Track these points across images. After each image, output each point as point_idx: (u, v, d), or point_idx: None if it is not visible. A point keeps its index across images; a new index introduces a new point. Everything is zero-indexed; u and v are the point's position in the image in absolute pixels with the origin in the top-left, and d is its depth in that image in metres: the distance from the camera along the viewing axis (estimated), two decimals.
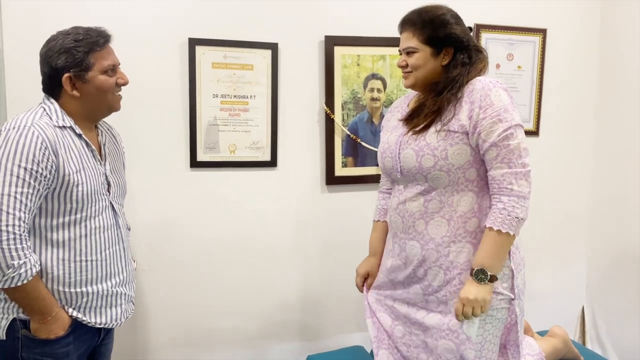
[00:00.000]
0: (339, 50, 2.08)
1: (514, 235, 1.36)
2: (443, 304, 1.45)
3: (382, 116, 2.17)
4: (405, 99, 1.65)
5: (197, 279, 2.05)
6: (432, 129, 1.42)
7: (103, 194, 1.40)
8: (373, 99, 2.15)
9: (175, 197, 2.00)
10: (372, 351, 1.83)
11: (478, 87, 1.38)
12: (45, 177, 1.25)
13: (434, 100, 1.42)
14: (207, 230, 2.05)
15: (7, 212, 1.20)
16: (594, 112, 2.48)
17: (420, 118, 1.44)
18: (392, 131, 1.57)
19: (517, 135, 1.35)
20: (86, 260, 1.35)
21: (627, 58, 2.32)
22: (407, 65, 1.46)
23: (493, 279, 1.37)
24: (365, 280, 1.73)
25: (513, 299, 1.45)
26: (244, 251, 2.09)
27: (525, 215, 1.37)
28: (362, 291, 1.75)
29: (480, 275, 1.36)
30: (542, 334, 1.87)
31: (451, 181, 1.42)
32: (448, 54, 1.44)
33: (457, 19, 1.46)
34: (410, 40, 1.45)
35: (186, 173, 2.00)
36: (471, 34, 1.50)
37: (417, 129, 1.44)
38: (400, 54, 1.50)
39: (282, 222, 2.13)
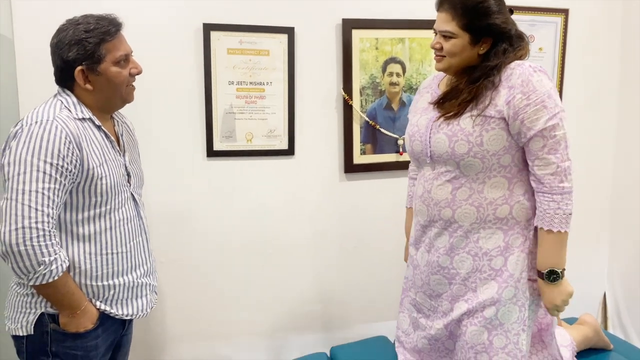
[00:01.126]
0: (356, 34, 2.02)
1: (568, 230, 1.35)
2: (472, 291, 1.42)
3: (401, 101, 2.12)
4: (435, 79, 1.59)
5: (215, 270, 2.02)
6: (466, 114, 1.37)
7: (124, 186, 1.38)
8: (392, 84, 2.10)
9: (192, 187, 1.96)
10: (395, 341, 1.81)
11: (518, 72, 1.32)
12: (71, 171, 1.22)
13: (470, 88, 1.36)
14: (225, 221, 2.01)
15: (36, 209, 1.17)
16: (617, 94, 2.42)
17: (454, 104, 1.39)
18: (421, 113, 1.51)
19: (563, 125, 1.31)
20: (112, 253, 1.33)
21: None
22: (441, 49, 1.40)
23: (564, 272, 1.36)
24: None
25: None
26: (262, 242, 2.06)
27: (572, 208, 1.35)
28: None
29: (553, 276, 1.35)
30: (566, 321, 1.83)
31: (484, 168, 1.37)
32: (486, 43, 1.37)
33: (500, 5, 1.37)
34: (448, 24, 1.36)
35: (203, 163, 1.96)
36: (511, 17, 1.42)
37: (449, 114, 1.39)
38: (435, 33, 1.42)
39: (300, 212, 2.09)
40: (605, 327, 2.51)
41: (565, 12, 2.27)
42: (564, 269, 1.36)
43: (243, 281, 2.06)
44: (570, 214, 1.33)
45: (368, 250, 2.13)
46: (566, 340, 1.56)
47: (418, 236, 1.54)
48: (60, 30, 1.30)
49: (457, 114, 1.38)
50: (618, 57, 2.39)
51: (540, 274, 1.37)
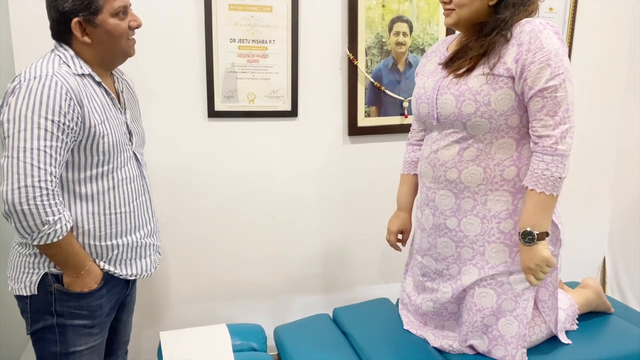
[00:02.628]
0: None
1: (557, 195, 1.31)
2: (480, 255, 1.41)
3: (407, 62, 2.07)
4: (444, 43, 1.54)
5: (216, 231, 2.01)
6: (475, 72, 1.33)
7: (126, 144, 1.35)
8: (398, 44, 2.04)
9: (193, 148, 1.92)
10: (398, 302, 1.82)
11: (527, 29, 1.28)
12: (72, 129, 1.19)
13: (481, 42, 1.32)
14: (227, 183, 1.98)
15: (39, 167, 1.14)
16: (627, 57, 2.37)
17: (464, 60, 1.35)
18: (429, 75, 1.47)
19: (565, 86, 1.26)
20: (115, 213, 1.31)
21: None
22: (450, 2, 1.35)
23: (542, 236, 1.32)
24: (401, 238, 1.70)
25: (554, 252, 1.42)
26: (264, 203, 2.04)
27: (567, 174, 1.31)
28: (397, 249, 1.71)
29: (528, 237, 1.32)
30: (568, 285, 1.85)
31: (492, 128, 1.35)
32: None
33: None
34: None
35: (204, 123, 1.91)
36: None
37: (460, 72, 1.35)
38: None
39: (303, 174, 2.06)
40: (604, 291, 2.54)
41: None
42: (542, 232, 1.32)
43: (245, 243, 2.05)
44: (559, 178, 1.29)
45: (371, 213, 2.12)
46: (564, 304, 1.57)
47: (423, 198, 1.52)
48: None
49: (468, 70, 1.34)
50: (629, 20, 2.33)
51: (518, 234, 1.35)
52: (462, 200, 1.41)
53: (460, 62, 1.36)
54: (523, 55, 1.27)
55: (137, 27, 1.33)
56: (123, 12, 1.29)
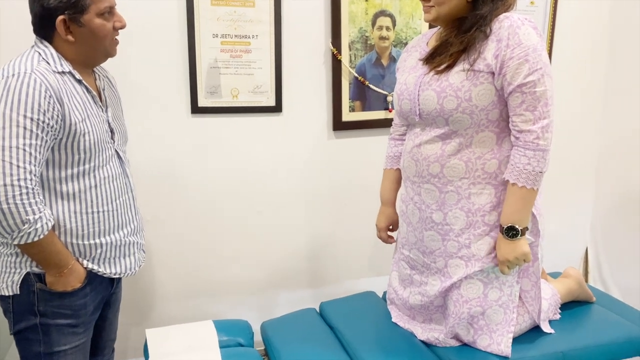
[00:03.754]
0: None
1: (537, 189, 1.34)
2: (466, 248, 1.43)
3: (391, 56, 2.07)
4: (424, 37, 1.55)
5: (202, 228, 2.01)
6: (456, 69, 1.34)
7: (108, 142, 1.33)
8: (382, 38, 2.04)
9: (177, 144, 1.91)
10: (384, 296, 1.84)
11: (506, 25, 1.29)
12: (52, 127, 1.17)
13: (461, 38, 1.33)
14: (211, 179, 1.98)
15: (18, 166, 1.12)
16: (607, 50, 2.40)
17: (445, 57, 1.35)
18: (410, 71, 1.48)
19: (544, 81, 1.28)
20: (98, 212, 1.29)
21: None
22: None
23: (524, 231, 1.36)
24: (390, 233, 1.72)
25: (534, 242, 1.45)
26: (249, 199, 2.04)
27: (547, 168, 1.34)
28: (389, 242, 1.73)
29: (512, 232, 1.35)
30: (550, 275, 1.87)
31: (473, 123, 1.36)
32: None
33: None
34: None
35: (187, 119, 1.90)
36: None
37: (440, 68, 1.36)
38: None
39: (289, 169, 2.06)
40: (587, 281, 2.59)
41: None
42: (525, 228, 1.36)
43: (231, 238, 2.05)
44: (540, 172, 1.32)
45: (357, 207, 2.13)
46: (547, 294, 1.60)
47: (408, 192, 1.53)
48: None
49: (448, 67, 1.35)
50: (608, 12, 2.36)
51: (500, 228, 1.38)
52: (446, 194, 1.43)
53: (440, 58, 1.37)
54: (502, 51, 1.28)
55: (121, 28, 1.32)
56: (109, 12, 1.27)
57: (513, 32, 1.28)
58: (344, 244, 2.19)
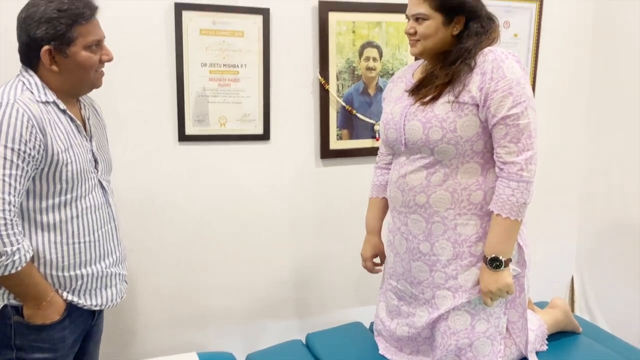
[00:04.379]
0: (333, 17, 1.98)
1: (521, 220, 1.35)
2: (453, 279, 1.42)
3: (377, 86, 2.10)
4: (409, 69, 1.58)
5: (187, 257, 1.98)
6: (441, 100, 1.36)
7: (91, 172, 1.32)
8: (369, 69, 2.07)
9: (163, 172, 1.90)
10: (371, 326, 1.81)
11: (490, 58, 1.32)
12: (34, 157, 1.16)
13: (446, 71, 1.35)
14: (197, 208, 1.96)
15: None
16: (588, 80, 2.46)
17: (430, 89, 1.38)
18: (396, 102, 1.50)
19: (527, 114, 1.30)
20: (79, 242, 1.27)
21: (621, 24, 2.29)
22: (415, 33, 1.38)
23: (507, 262, 1.36)
24: (375, 262, 1.71)
25: (520, 273, 1.45)
26: (235, 228, 2.02)
27: (531, 199, 1.35)
28: (375, 272, 1.71)
29: (495, 263, 1.35)
30: (537, 305, 1.87)
31: (458, 154, 1.37)
32: (459, 22, 1.37)
33: None
34: (420, 6, 1.35)
35: (174, 147, 1.90)
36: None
37: (426, 99, 1.38)
38: (408, 19, 1.42)
39: (276, 197, 2.06)
40: (573, 310, 2.58)
41: None
42: (509, 259, 1.36)
43: (216, 268, 2.02)
44: (524, 204, 1.33)
45: (344, 235, 2.12)
46: (534, 325, 1.59)
47: (395, 223, 1.53)
48: (30, 5, 1.22)
49: (434, 99, 1.37)
50: (590, 45, 2.43)
51: (484, 258, 1.38)
52: (433, 224, 1.43)
53: (426, 89, 1.39)
54: (486, 84, 1.31)
55: (108, 61, 1.32)
56: (97, 45, 1.27)
57: (497, 66, 1.31)
58: (331, 272, 2.18)
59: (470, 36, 1.36)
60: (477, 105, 1.33)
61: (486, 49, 1.35)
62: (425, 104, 1.38)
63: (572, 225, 2.58)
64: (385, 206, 1.65)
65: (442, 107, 1.36)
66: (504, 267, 1.35)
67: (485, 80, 1.31)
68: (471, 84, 1.33)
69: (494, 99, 1.30)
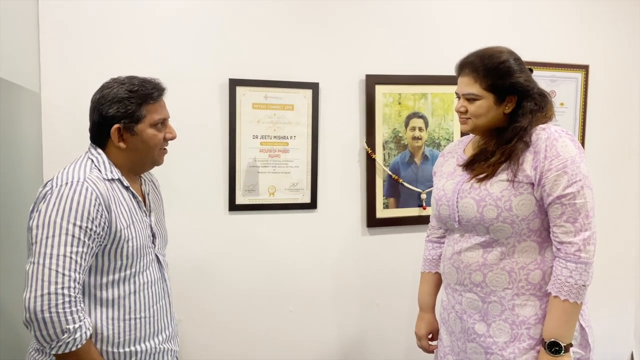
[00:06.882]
0: (379, 89, 2.03)
1: (581, 303, 1.29)
2: None
3: (424, 155, 2.11)
4: (460, 144, 1.58)
5: (236, 327, 1.97)
6: (495, 178, 1.35)
7: (149, 247, 1.35)
8: (415, 138, 2.09)
9: (213, 242, 1.93)
10: None
11: (543, 137, 1.31)
12: (99, 234, 1.20)
13: (502, 149, 1.35)
14: (246, 276, 1.97)
15: (63, 274, 1.14)
16: (638, 149, 2.40)
17: (485, 166, 1.37)
18: (447, 177, 1.49)
19: (584, 193, 1.27)
20: (135, 318, 1.28)
21: None
22: (466, 112, 1.39)
23: (568, 347, 1.29)
24: (430, 340, 1.64)
25: (583, 356, 1.37)
26: (283, 297, 2.01)
27: (591, 281, 1.29)
28: (431, 351, 1.64)
29: (555, 348, 1.29)
30: None
31: (514, 232, 1.34)
32: (511, 101, 1.37)
33: (521, 64, 1.38)
34: (471, 87, 1.37)
35: (225, 217, 1.93)
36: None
37: (481, 176, 1.37)
38: (458, 97, 1.43)
39: (322, 266, 2.05)
40: None
41: (585, 68, 2.29)
42: (569, 344, 1.29)
43: (264, 336, 2.00)
44: (583, 286, 1.27)
45: (391, 307, 2.07)
46: None
47: (450, 300, 1.49)
48: (104, 87, 1.31)
49: (489, 176, 1.36)
50: (639, 111, 2.39)
51: (543, 342, 1.31)
52: (490, 304, 1.38)
53: (480, 167, 1.38)
54: (540, 163, 1.29)
55: (171, 139, 1.38)
56: (162, 123, 1.34)
57: (551, 144, 1.30)
58: (376, 343, 2.11)
59: (525, 115, 1.35)
60: (532, 184, 1.31)
61: (539, 127, 1.34)
62: (479, 181, 1.37)
63: (629, 299, 2.45)
64: (438, 281, 1.61)
65: (497, 185, 1.34)
66: (564, 352, 1.28)
67: (539, 159, 1.30)
68: (525, 162, 1.32)
69: (549, 178, 1.28)
